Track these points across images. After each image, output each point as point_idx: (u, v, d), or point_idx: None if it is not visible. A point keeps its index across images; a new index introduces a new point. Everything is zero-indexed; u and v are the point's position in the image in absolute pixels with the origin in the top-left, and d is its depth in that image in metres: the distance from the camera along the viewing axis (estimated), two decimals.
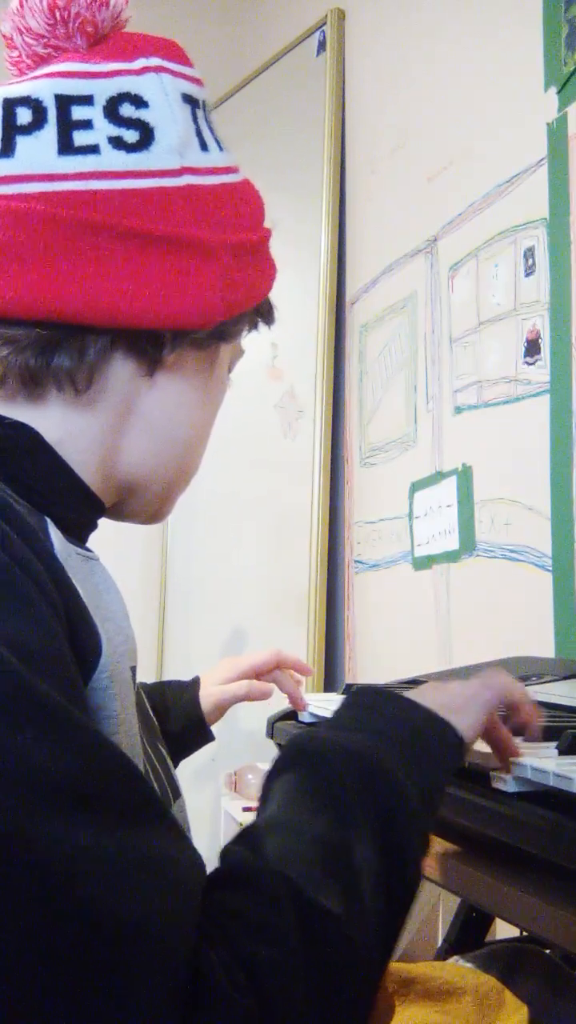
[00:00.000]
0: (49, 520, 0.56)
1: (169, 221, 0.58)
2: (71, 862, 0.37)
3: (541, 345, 1.40)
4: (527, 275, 1.44)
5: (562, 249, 1.37)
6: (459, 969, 0.78)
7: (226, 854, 0.47)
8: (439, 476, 1.67)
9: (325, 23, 2.15)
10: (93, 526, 0.65)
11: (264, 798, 0.52)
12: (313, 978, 0.41)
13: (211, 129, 0.64)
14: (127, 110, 0.58)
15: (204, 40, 2.71)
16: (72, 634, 0.49)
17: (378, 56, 2.00)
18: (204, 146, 0.61)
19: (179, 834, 0.44)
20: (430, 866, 0.71)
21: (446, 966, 0.79)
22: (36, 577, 0.46)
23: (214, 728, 0.96)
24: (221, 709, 0.95)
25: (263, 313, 0.69)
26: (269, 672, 0.98)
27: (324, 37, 2.15)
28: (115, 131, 0.57)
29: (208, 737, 0.94)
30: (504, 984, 0.74)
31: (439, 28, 1.75)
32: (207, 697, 0.94)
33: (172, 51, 0.62)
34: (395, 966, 0.77)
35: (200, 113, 0.62)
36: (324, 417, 2.03)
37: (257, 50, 2.52)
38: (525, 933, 0.89)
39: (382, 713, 0.58)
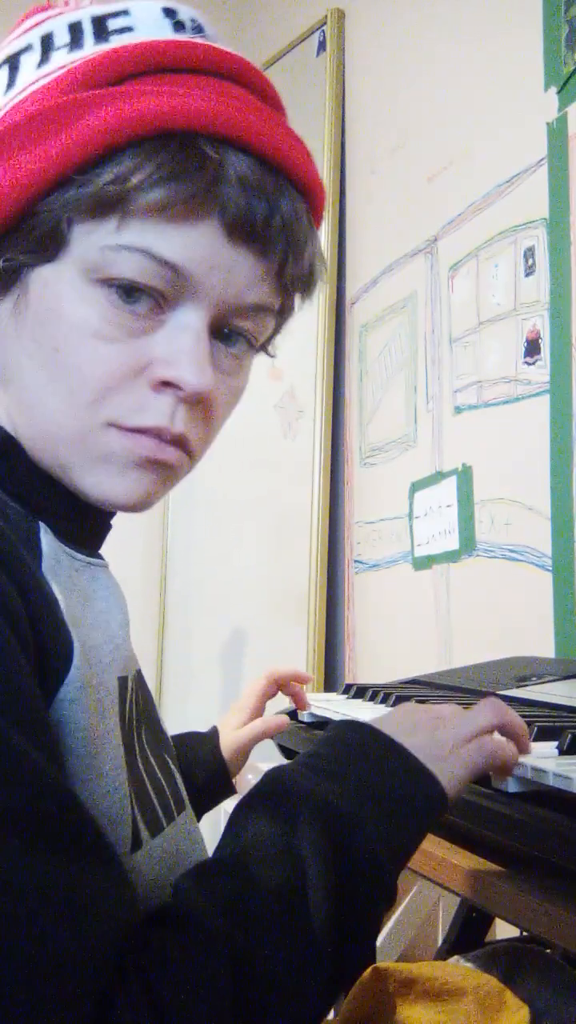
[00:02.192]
0: (43, 525, 0.54)
1: None
2: None
3: (541, 345, 1.40)
4: (527, 275, 1.44)
5: (562, 249, 1.37)
6: (460, 969, 0.78)
7: (177, 890, 0.46)
8: (439, 476, 1.67)
9: (325, 23, 2.15)
10: (100, 529, 0.62)
11: (229, 831, 0.51)
12: None
13: (55, 47, 0.56)
14: None
15: None
16: (39, 646, 0.48)
17: (378, 56, 2.00)
18: (9, 87, 0.56)
19: (109, 865, 0.42)
20: (430, 866, 0.71)
21: (447, 966, 0.79)
22: None
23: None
24: (243, 753, 0.93)
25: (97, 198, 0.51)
26: (274, 695, 0.98)
27: (324, 37, 2.15)
28: None
29: (231, 790, 0.92)
30: (505, 984, 0.74)
31: (439, 28, 1.75)
32: (228, 746, 0.92)
33: (16, 25, 0.60)
34: (396, 966, 0.77)
35: (26, 55, 0.56)
36: (324, 417, 2.03)
37: (257, 50, 2.52)
38: (525, 933, 0.89)
39: (365, 757, 0.55)
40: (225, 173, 0.52)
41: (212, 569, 2.45)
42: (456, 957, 0.82)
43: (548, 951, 0.80)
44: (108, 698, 0.53)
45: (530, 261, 1.44)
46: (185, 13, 0.58)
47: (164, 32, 0.56)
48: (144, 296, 0.52)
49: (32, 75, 0.55)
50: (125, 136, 0.50)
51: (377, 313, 1.93)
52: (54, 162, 0.50)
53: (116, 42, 0.55)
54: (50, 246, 0.52)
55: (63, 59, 0.55)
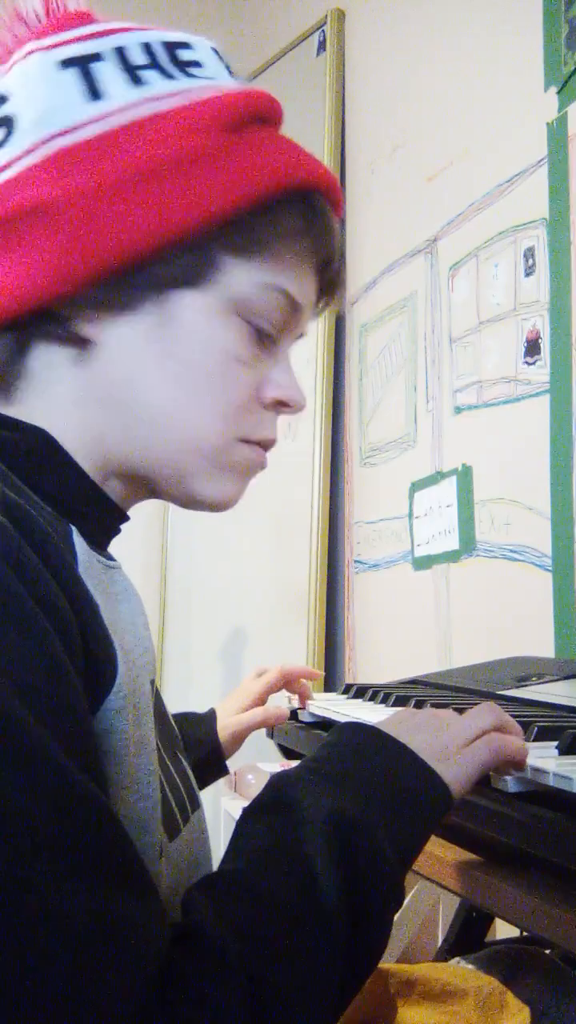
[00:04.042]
0: (74, 528, 0.54)
1: (22, 194, 0.55)
2: (26, 915, 0.36)
3: (541, 345, 1.40)
4: (527, 275, 1.44)
5: (562, 249, 1.37)
6: (461, 971, 0.77)
7: (187, 905, 0.46)
8: (439, 476, 1.67)
9: (325, 23, 2.15)
10: (115, 532, 0.63)
11: (235, 840, 0.51)
12: None
13: (135, 66, 0.58)
14: None
15: None
16: (88, 655, 0.47)
17: (378, 56, 2.00)
18: (95, 95, 0.56)
19: (148, 896, 0.42)
20: (430, 866, 0.71)
21: (448, 967, 0.79)
22: (47, 598, 0.44)
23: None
24: (239, 739, 0.94)
25: (254, 233, 0.57)
26: (279, 690, 0.98)
27: (324, 37, 2.15)
28: None
29: (224, 771, 0.93)
30: (506, 986, 0.74)
31: (439, 28, 1.75)
32: (224, 729, 0.92)
33: (58, 24, 0.59)
34: (397, 967, 0.77)
35: (99, 64, 0.57)
36: (324, 417, 2.03)
37: (257, 50, 2.52)
38: (525, 933, 0.89)
39: (370, 759, 0.56)
40: (336, 233, 0.62)
41: (212, 569, 2.45)
42: (457, 959, 0.82)
43: (548, 952, 0.80)
44: (143, 702, 0.54)
45: (530, 261, 1.43)
46: (225, 57, 0.64)
47: (223, 73, 0.62)
48: (274, 331, 0.61)
49: (127, 94, 0.57)
50: (280, 187, 0.57)
51: (377, 313, 1.93)
52: (216, 202, 0.56)
53: (200, 76, 0.60)
54: (201, 274, 0.57)
55: (162, 86, 0.58)
